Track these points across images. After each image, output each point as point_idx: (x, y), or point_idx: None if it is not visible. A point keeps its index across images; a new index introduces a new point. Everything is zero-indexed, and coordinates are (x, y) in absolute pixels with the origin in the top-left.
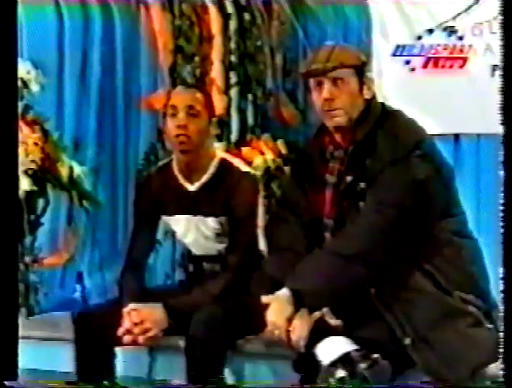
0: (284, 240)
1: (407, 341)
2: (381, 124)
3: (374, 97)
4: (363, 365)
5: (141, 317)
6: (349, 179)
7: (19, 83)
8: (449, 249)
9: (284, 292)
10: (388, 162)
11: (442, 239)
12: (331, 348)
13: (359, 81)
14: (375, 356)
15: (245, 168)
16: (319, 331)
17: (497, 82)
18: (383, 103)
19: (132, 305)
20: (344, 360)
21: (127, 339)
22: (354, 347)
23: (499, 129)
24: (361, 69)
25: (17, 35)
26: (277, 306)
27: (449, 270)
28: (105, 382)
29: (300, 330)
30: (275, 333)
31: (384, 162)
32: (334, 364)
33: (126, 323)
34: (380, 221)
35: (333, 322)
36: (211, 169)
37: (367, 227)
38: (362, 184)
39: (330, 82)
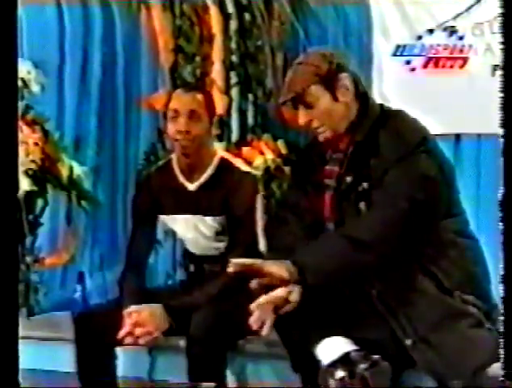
0: (284, 240)
1: (408, 342)
2: (382, 124)
3: (367, 95)
4: (362, 366)
5: (142, 319)
6: (349, 179)
7: (20, 83)
8: (452, 249)
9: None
10: (394, 159)
11: (445, 239)
12: (331, 348)
13: (329, 90)
14: (376, 356)
15: (245, 168)
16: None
17: (497, 81)
18: (381, 105)
19: (132, 308)
20: (344, 361)
21: (127, 340)
22: (355, 347)
23: (499, 129)
24: (327, 79)
25: (17, 35)
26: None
27: (452, 270)
28: None
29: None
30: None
31: (389, 160)
32: (334, 364)
33: (126, 326)
34: (393, 213)
35: (293, 297)
36: (212, 168)
37: (379, 218)
38: (364, 184)
39: (302, 106)
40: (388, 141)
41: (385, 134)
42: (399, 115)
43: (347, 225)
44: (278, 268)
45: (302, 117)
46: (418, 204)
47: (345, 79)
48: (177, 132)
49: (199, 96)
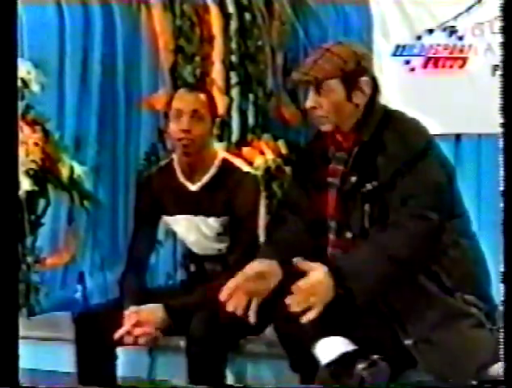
0: (282, 236)
1: (409, 342)
2: (386, 124)
3: (375, 97)
4: (361, 366)
5: (141, 319)
6: (353, 179)
7: (20, 83)
8: (454, 249)
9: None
10: (403, 163)
11: (449, 240)
12: (330, 348)
13: (346, 89)
14: (374, 356)
15: (246, 168)
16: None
17: (498, 81)
18: (383, 105)
19: (131, 309)
20: (342, 361)
21: (127, 339)
22: (353, 347)
23: (500, 129)
24: (349, 77)
25: (17, 35)
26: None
27: (454, 271)
28: None
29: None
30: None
31: (398, 163)
32: (332, 364)
33: (125, 326)
34: (426, 225)
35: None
36: (213, 169)
37: (413, 232)
38: (368, 185)
39: (314, 91)
40: (395, 143)
41: (391, 135)
42: (402, 116)
43: (380, 238)
44: (318, 275)
45: (310, 101)
46: (443, 213)
47: (365, 83)
48: (180, 131)
49: (202, 96)
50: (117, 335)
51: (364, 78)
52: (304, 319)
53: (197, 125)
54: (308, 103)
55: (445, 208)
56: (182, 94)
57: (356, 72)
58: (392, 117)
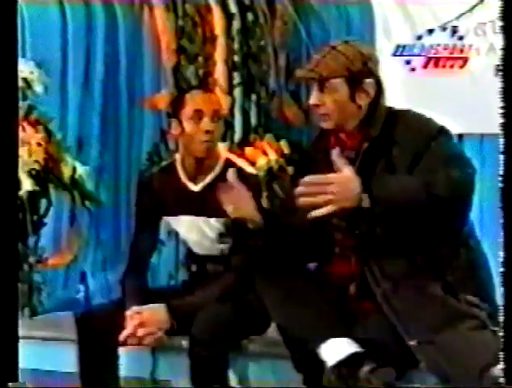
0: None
1: (412, 342)
2: (394, 121)
3: (379, 98)
4: (366, 368)
5: (144, 319)
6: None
7: (23, 83)
8: (463, 249)
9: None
10: (422, 145)
11: (460, 240)
12: (336, 349)
13: (350, 89)
14: (380, 359)
15: (248, 169)
16: None
17: (499, 82)
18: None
19: (134, 309)
20: (348, 362)
21: (131, 340)
22: (359, 349)
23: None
24: (354, 78)
25: (17, 36)
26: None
27: (459, 271)
28: None
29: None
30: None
31: (416, 149)
32: (338, 365)
33: (129, 327)
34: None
35: None
36: (216, 169)
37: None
38: None
39: (317, 88)
40: (408, 134)
41: (401, 129)
42: (409, 111)
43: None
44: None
45: (313, 98)
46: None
47: (369, 85)
48: (203, 132)
49: (215, 96)
50: (121, 338)
51: (369, 80)
52: (313, 214)
53: (217, 126)
54: (312, 100)
55: (471, 177)
56: (198, 95)
57: (361, 73)
58: (400, 114)
